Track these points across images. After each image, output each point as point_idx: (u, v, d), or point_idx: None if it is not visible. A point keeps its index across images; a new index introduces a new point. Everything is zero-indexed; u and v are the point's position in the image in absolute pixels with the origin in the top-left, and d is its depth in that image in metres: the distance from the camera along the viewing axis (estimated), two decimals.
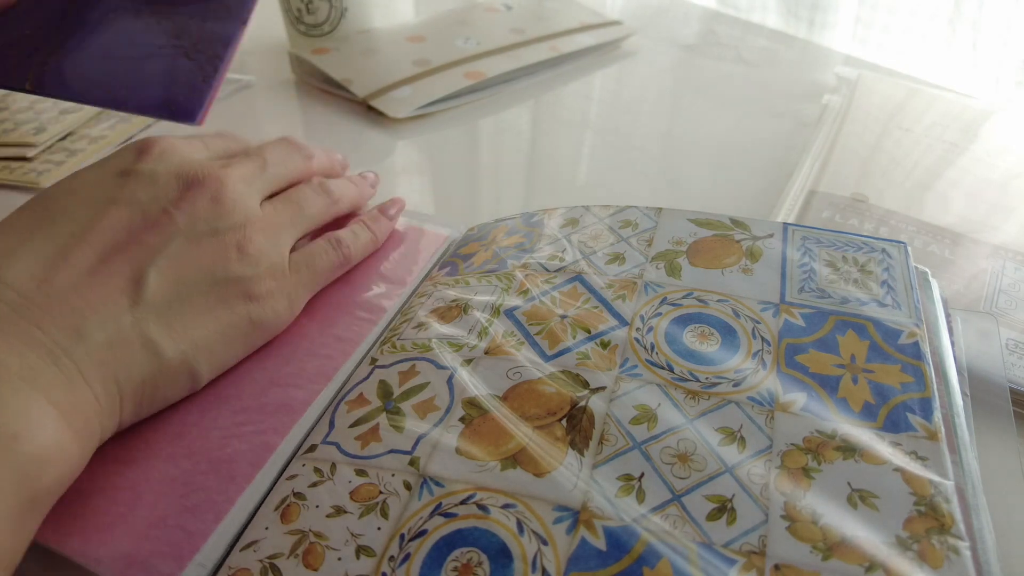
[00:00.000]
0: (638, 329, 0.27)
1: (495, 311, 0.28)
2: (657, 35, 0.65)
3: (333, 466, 0.23)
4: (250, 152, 0.31)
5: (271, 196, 0.30)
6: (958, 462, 0.22)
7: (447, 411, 0.24)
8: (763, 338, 0.26)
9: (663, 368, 0.25)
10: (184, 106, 0.29)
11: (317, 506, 0.22)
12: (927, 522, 0.20)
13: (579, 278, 0.30)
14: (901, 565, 0.19)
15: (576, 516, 0.21)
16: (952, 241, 0.36)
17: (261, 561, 0.21)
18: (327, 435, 0.25)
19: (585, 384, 0.25)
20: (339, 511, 0.22)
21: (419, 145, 0.49)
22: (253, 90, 0.55)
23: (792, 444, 0.22)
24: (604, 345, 0.26)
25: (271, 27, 0.59)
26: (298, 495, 0.23)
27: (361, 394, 0.26)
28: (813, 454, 0.22)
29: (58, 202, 0.25)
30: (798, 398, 0.24)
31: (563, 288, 0.29)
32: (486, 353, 0.26)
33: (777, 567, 0.19)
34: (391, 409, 0.25)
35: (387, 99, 0.50)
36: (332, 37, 0.56)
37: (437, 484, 0.22)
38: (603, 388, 0.25)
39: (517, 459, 0.22)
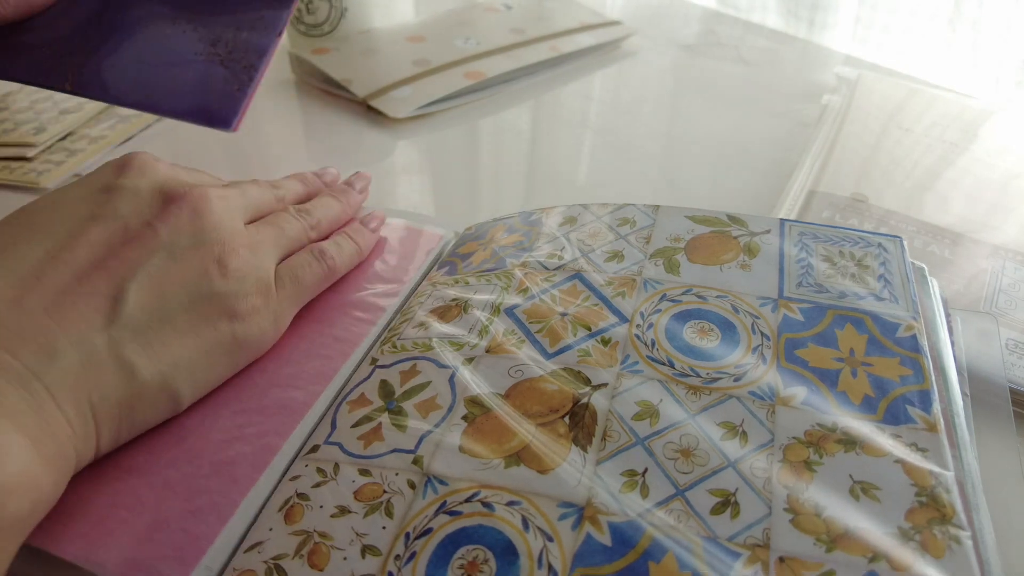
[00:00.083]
0: (638, 326, 0.27)
1: (495, 310, 0.29)
2: (657, 35, 0.65)
3: (336, 466, 0.23)
4: (225, 183, 0.31)
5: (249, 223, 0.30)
6: (958, 458, 0.22)
7: (449, 410, 0.24)
8: (762, 333, 0.26)
9: (664, 364, 0.25)
10: (219, 113, 0.29)
11: (321, 506, 0.22)
12: (928, 512, 0.20)
13: (578, 276, 0.30)
14: (904, 555, 0.19)
15: (581, 512, 0.21)
16: (952, 241, 0.36)
17: (266, 562, 0.21)
18: (329, 435, 0.25)
19: (587, 381, 0.25)
20: (343, 511, 0.22)
21: (419, 145, 0.49)
22: None
23: (793, 438, 0.22)
24: (605, 342, 0.26)
25: None
26: (302, 496, 0.23)
27: (363, 394, 0.26)
28: (814, 447, 0.22)
29: (37, 219, 0.25)
30: (798, 392, 0.24)
31: (563, 286, 0.29)
32: (487, 352, 0.27)
33: (782, 560, 0.19)
34: (393, 408, 0.25)
35: (387, 99, 0.50)
36: (332, 37, 0.56)
37: (441, 482, 0.22)
38: (605, 385, 0.25)
39: (521, 456, 0.22)
